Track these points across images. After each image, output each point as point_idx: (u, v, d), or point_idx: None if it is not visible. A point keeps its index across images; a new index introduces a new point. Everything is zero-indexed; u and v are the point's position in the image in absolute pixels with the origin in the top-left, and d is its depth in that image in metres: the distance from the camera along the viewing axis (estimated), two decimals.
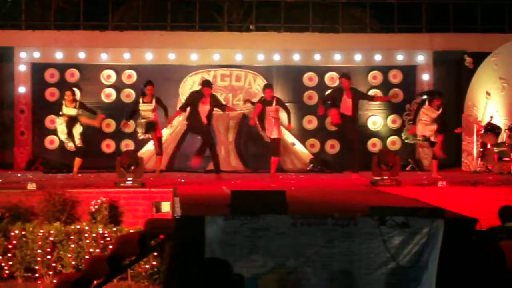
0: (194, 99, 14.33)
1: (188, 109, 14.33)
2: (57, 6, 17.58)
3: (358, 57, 16.74)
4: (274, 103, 14.38)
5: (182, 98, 15.40)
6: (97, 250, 10.81)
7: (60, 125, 13.92)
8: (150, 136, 14.37)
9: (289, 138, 16.42)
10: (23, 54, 16.47)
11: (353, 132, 14.42)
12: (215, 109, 14.38)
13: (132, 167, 12.06)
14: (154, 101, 14.17)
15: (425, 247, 6.99)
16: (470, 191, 12.28)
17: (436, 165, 14.45)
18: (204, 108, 14.12)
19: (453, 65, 17.05)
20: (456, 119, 16.40)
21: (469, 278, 6.94)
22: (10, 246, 10.94)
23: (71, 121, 13.83)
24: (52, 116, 15.19)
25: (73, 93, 14.13)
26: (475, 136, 15.82)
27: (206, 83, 14.39)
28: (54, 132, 14.99)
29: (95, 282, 7.73)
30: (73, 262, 10.87)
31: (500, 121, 15.66)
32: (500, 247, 7.22)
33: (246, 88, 16.64)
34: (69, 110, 13.86)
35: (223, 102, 15.15)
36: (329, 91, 15.66)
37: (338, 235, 6.95)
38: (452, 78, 17.10)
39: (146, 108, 14.14)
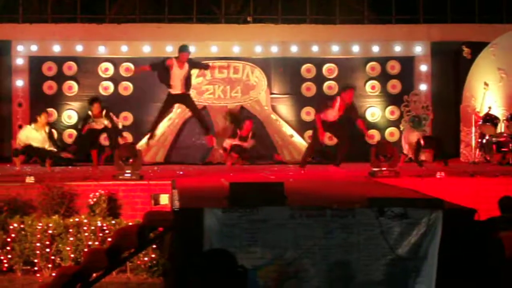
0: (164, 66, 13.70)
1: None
2: None
3: (356, 48, 16.71)
4: (249, 138, 14.64)
5: None
6: (96, 243, 10.80)
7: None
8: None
9: (287, 130, 16.41)
10: (20, 48, 16.44)
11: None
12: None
13: (131, 160, 12.05)
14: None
15: (424, 238, 6.99)
16: (469, 182, 12.26)
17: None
18: (178, 72, 13.53)
19: (451, 55, 17.02)
20: (454, 110, 16.42)
21: (468, 269, 6.94)
22: (9, 240, 10.93)
23: None
24: (50, 109, 15.33)
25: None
26: (473, 127, 15.81)
27: (182, 48, 13.74)
28: (51, 125, 15.13)
29: (94, 274, 7.72)
30: (72, 255, 10.86)
31: (498, 112, 15.68)
32: (499, 238, 7.22)
33: (244, 80, 16.60)
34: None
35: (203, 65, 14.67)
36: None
37: (337, 226, 6.95)
38: (450, 69, 17.09)
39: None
